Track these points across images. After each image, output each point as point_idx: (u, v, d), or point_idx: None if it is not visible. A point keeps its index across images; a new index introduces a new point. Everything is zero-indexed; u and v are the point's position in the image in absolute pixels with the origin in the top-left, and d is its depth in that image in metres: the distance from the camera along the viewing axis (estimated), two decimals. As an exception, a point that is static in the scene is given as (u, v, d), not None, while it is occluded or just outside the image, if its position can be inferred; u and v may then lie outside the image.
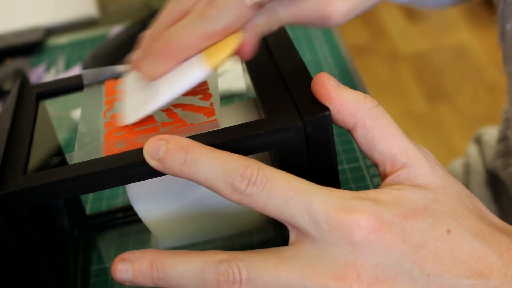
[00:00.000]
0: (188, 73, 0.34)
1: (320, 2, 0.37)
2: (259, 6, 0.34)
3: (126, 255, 0.33)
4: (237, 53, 0.35)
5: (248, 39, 0.36)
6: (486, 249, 0.31)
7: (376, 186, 0.49)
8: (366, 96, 0.33)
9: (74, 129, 0.65)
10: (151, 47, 0.36)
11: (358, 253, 0.30)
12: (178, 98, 0.38)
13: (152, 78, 0.35)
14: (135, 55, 0.37)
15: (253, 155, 0.34)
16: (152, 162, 0.32)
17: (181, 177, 0.32)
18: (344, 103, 0.33)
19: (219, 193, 0.31)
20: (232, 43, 0.34)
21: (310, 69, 0.37)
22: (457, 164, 0.73)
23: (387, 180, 0.33)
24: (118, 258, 0.33)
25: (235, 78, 0.62)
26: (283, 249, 0.32)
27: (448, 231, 0.31)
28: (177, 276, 0.32)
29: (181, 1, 0.36)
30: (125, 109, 0.38)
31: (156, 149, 0.32)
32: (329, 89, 0.33)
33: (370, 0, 0.38)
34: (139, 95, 0.37)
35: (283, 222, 0.32)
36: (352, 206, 0.30)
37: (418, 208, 0.31)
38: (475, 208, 0.33)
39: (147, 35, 0.37)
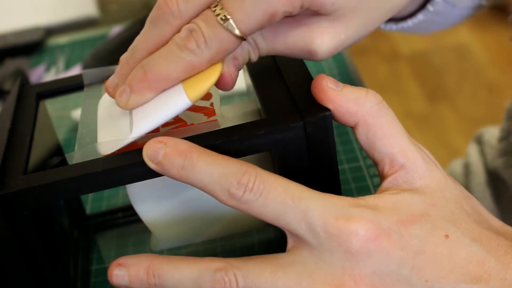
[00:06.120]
0: (167, 105, 0.33)
1: (304, 38, 0.35)
2: (241, 40, 0.32)
3: (122, 260, 0.33)
4: (217, 84, 0.34)
5: (229, 71, 0.34)
6: (484, 253, 0.31)
7: (376, 186, 0.49)
8: (368, 92, 0.33)
9: (74, 129, 0.65)
10: (127, 74, 0.34)
11: (355, 261, 0.30)
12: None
13: (129, 108, 0.34)
14: (110, 81, 0.35)
15: (253, 155, 0.34)
16: (151, 165, 0.32)
17: (179, 180, 0.32)
18: (344, 103, 0.33)
19: (216, 198, 0.31)
20: (212, 75, 0.33)
21: (310, 69, 0.37)
22: (457, 164, 0.73)
23: (385, 183, 0.33)
24: (114, 263, 0.33)
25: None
26: (280, 256, 0.31)
27: (446, 236, 0.31)
28: (173, 283, 0.31)
29: (159, 28, 0.33)
30: (100, 137, 0.36)
31: (155, 152, 0.32)
32: (327, 91, 0.33)
33: (356, 37, 0.36)
34: (114, 122, 0.36)
35: (281, 228, 0.32)
36: (350, 214, 0.30)
37: (416, 213, 0.31)
38: (473, 211, 0.33)
39: (123, 60, 0.35)
